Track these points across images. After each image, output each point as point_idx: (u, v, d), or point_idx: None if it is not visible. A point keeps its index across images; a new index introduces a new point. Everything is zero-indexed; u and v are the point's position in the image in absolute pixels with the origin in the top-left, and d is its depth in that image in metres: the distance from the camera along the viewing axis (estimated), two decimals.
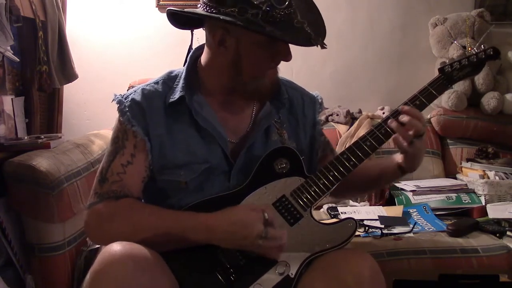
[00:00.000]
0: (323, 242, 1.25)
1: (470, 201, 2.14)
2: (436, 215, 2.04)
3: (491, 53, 1.35)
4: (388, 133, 1.29)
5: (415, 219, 2.00)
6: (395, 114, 1.30)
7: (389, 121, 1.28)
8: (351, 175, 1.29)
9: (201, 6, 1.21)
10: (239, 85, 1.26)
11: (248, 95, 1.29)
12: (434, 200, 2.14)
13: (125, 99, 1.28)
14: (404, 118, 1.27)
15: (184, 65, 1.34)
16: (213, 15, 1.16)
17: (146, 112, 1.26)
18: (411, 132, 1.26)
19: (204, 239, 1.17)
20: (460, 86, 2.49)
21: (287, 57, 1.23)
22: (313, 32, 1.17)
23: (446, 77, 1.34)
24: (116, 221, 1.19)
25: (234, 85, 1.27)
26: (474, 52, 1.35)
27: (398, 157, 1.34)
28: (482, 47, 1.36)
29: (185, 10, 1.23)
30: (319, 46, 1.18)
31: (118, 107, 1.28)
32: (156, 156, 1.26)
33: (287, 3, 1.15)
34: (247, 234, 1.15)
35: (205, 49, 1.29)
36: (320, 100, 1.48)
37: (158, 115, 1.27)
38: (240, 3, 1.14)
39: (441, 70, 1.35)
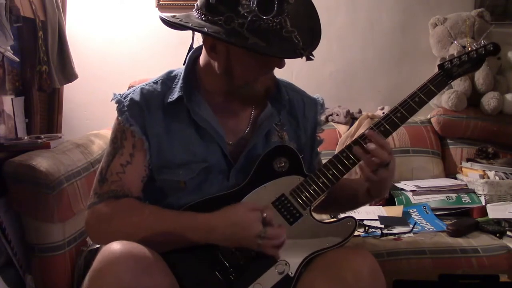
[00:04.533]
0: (322, 240, 1.25)
1: (470, 201, 2.14)
2: (436, 215, 2.04)
3: (491, 48, 1.33)
4: (388, 131, 1.29)
5: (415, 219, 2.00)
6: (362, 138, 1.27)
7: (354, 148, 1.26)
8: (332, 191, 1.29)
9: (195, 11, 1.21)
10: (232, 89, 1.26)
11: (242, 100, 1.29)
12: (434, 200, 2.14)
13: (124, 98, 1.28)
14: (370, 146, 1.24)
15: (183, 65, 1.34)
16: (200, 28, 1.15)
17: (145, 111, 1.26)
18: (376, 160, 1.24)
19: (203, 239, 1.17)
20: (460, 86, 2.50)
21: (279, 65, 1.22)
22: (303, 41, 1.14)
23: (446, 73, 1.33)
24: (116, 221, 1.20)
25: (228, 89, 1.27)
26: (474, 48, 1.34)
27: (366, 182, 1.32)
28: (482, 43, 1.35)
29: (175, 18, 1.21)
30: (304, 58, 1.15)
31: (117, 106, 1.28)
32: (154, 155, 1.26)
33: (274, 12, 1.13)
34: (246, 234, 1.15)
35: (203, 50, 1.29)
36: (321, 102, 1.48)
37: (157, 114, 1.27)
38: (228, 11, 1.13)
39: (440, 66, 1.33)
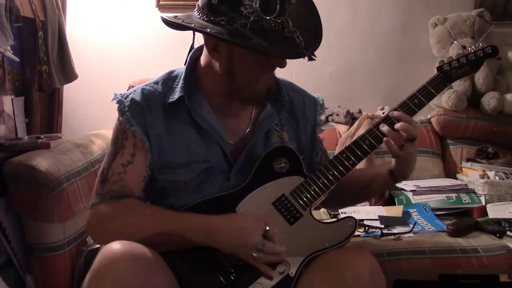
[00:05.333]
0: (322, 241, 1.25)
1: (470, 201, 2.14)
2: (436, 215, 2.04)
3: (489, 51, 1.35)
4: None
5: (415, 219, 2.00)
6: (386, 120, 1.30)
7: (381, 125, 1.29)
8: (341, 184, 1.30)
9: (197, 11, 1.21)
10: (234, 90, 1.26)
11: (243, 100, 1.29)
12: (434, 200, 2.13)
13: (125, 98, 1.28)
14: (397, 124, 1.27)
15: (184, 65, 1.34)
16: (202, 29, 1.16)
17: (145, 112, 1.27)
18: (404, 136, 1.26)
19: (203, 241, 1.18)
20: (460, 86, 2.50)
21: (281, 64, 1.22)
22: (305, 41, 1.15)
23: (445, 75, 1.34)
24: (118, 221, 1.20)
25: (229, 89, 1.27)
26: (472, 51, 1.35)
27: (390, 164, 1.34)
28: (481, 45, 1.36)
29: (177, 18, 1.21)
30: (306, 58, 1.16)
31: (118, 106, 1.28)
32: (155, 155, 1.26)
33: (277, 12, 1.13)
34: (245, 242, 1.15)
35: (204, 50, 1.30)
36: (321, 102, 1.48)
37: (157, 115, 1.27)
38: (230, 12, 1.13)
39: (439, 68, 1.35)
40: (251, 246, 1.15)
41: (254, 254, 1.15)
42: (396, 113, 1.29)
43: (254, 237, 1.15)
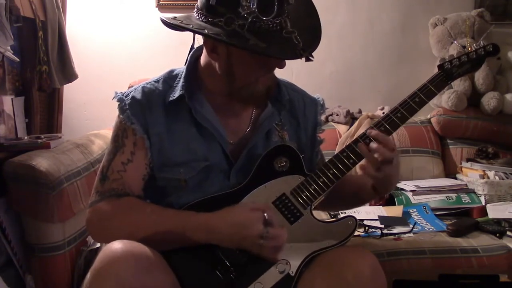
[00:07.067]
0: (323, 240, 1.25)
1: (470, 201, 2.14)
2: (436, 215, 2.04)
3: (491, 49, 1.34)
4: (388, 131, 1.29)
5: (415, 219, 2.01)
6: (363, 137, 1.28)
7: (359, 144, 1.26)
8: (334, 188, 1.30)
9: (196, 12, 1.22)
10: (233, 90, 1.26)
11: (243, 100, 1.29)
12: (434, 200, 2.14)
13: (126, 96, 1.29)
14: (372, 144, 1.24)
15: (185, 65, 1.34)
16: (200, 30, 1.16)
17: (146, 110, 1.27)
18: (379, 158, 1.24)
19: (204, 239, 1.17)
20: (460, 86, 2.50)
21: (280, 65, 1.22)
22: (303, 42, 1.14)
23: (446, 73, 1.34)
24: (117, 220, 1.20)
25: (228, 89, 1.27)
26: (473, 49, 1.35)
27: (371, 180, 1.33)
28: (482, 44, 1.36)
29: (176, 19, 1.21)
30: (304, 58, 1.16)
31: (118, 104, 1.28)
32: (155, 154, 1.26)
33: (275, 13, 1.13)
34: (248, 234, 1.15)
35: (203, 50, 1.30)
36: (321, 102, 1.48)
37: (158, 113, 1.27)
38: (228, 13, 1.13)
39: (440, 66, 1.34)
40: (255, 236, 1.14)
41: (261, 242, 1.15)
42: (373, 132, 1.26)
43: (256, 228, 1.15)
